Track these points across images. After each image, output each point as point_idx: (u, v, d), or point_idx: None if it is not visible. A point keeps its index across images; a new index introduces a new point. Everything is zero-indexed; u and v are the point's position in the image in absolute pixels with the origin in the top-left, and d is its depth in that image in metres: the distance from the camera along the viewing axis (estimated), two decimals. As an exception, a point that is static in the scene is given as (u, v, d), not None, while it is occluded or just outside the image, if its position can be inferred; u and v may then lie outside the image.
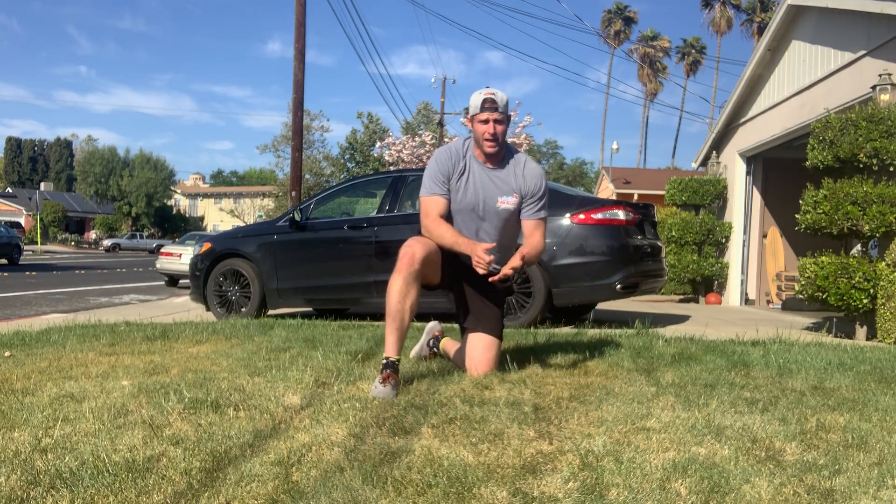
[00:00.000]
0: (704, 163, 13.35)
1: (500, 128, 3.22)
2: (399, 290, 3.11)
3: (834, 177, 6.48)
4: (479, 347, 3.42)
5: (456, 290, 3.53)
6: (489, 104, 3.20)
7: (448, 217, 3.34)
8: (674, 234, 12.01)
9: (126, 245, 47.16)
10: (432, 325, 3.94)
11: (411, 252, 3.11)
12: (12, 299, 10.22)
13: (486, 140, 3.22)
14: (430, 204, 3.30)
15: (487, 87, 3.24)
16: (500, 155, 3.33)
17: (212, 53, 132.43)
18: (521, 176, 3.34)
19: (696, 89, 79.78)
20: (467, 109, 3.34)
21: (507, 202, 3.32)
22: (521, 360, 3.84)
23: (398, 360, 3.11)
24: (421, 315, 6.58)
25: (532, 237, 3.38)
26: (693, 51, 55.91)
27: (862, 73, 8.02)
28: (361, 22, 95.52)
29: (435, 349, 3.89)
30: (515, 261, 3.16)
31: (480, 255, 3.06)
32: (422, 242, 3.18)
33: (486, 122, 3.21)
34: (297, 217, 6.80)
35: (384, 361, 3.09)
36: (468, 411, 2.67)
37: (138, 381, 3.20)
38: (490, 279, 3.19)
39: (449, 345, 3.74)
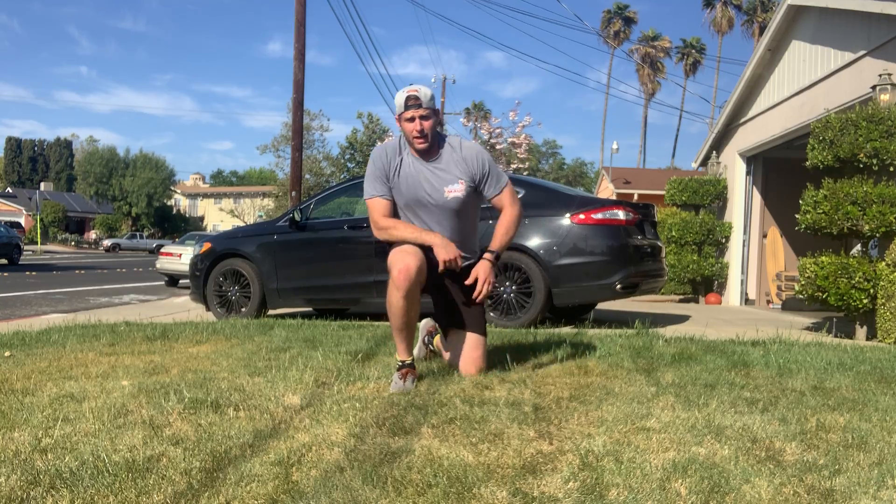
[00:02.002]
0: (704, 163, 13.35)
1: (426, 123, 3.22)
2: (402, 307, 3.15)
3: (834, 177, 6.48)
4: (468, 347, 3.45)
5: (434, 292, 3.50)
6: (413, 101, 3.20)
7: (396, 216, 3.35)
8: (674, 234, 12.01)
9: (126, 245, 47.16)
10: (426, 322, 3.94)
11: (406, 266, 3.11)
12: (12, 299, 10.22)
13: (416, 137, 3.23)
14: (374, 206, 3.32)
15: (412, 85, 3.27)
16: (434, 148, 3.32)
17: (212, 53, 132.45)
18: (461, 161, 3.33)
19: (697, 89, 79.91)
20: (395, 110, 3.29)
21: (455, 190, 3.31)
22: (521, 360, 3.84)
23: (412, 360, 3.22)
24: (422, 316, 6.59)
25: (507, 210, 3.44)
26: (693, 51, 55.91)
27: (862, 73, 8.02)
28: (362, 22, 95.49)
29: (430, 346, 3.91)
30: (481, 288, 3.27)
31: (450, 253, 3.15)
32: (412, 253, 3.16)
33: (412, 119, 3.21)
34: (297, 217, 6.80)
35: (400, 363, 3.19)
36: (468, 411, 2.67)
37: (138, 381, 3.20)
38: (466, 283, 3.26)
39: (441, 342, 3.76)
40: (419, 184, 3.29)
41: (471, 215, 3.47)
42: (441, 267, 3.17)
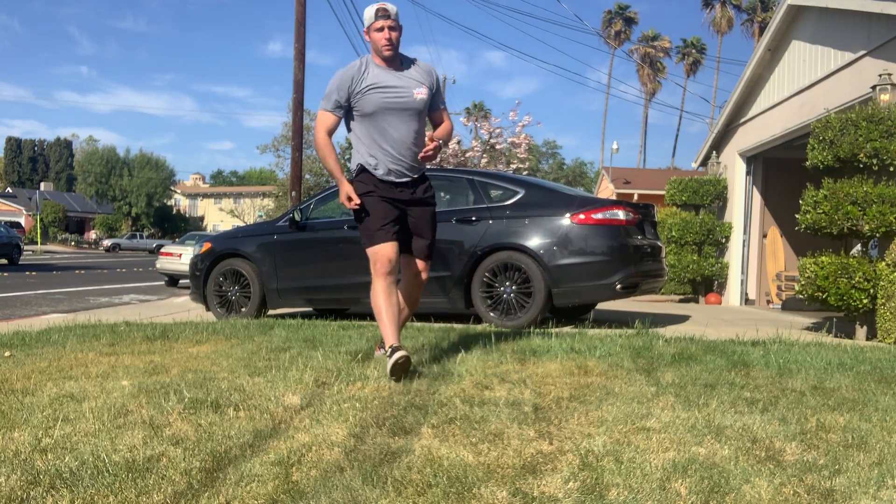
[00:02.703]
0: (704, 163, 13.35)
1: (394, 34, 3.55)
2: (385, 293, 3.48)
3: (834, 177, 6.48)
4: (417, 268, 3.80)
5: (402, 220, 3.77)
6: (383, 13, 3.54)
7: (358, 128, 3.65)
8: (674, 234, 12.01)
9: (126, 245, 47.14)
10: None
11: (386, 256, 3.50)
12: (12, 299, 10.22)
13: (384, 46, 3.55)
14: (325, 119, 3.64)
15: (376, 2, 3.58)
16: (398, 59, 3.66)
17: (213, 54, 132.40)
18: (423, 71, 3.71)
19: (697, 89, 79.87)
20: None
21: (422, 92, 3.64)
22: (521, 360, 3.84)
23: (400, 344, 3.42)
24: (421, 315, 6.60)
25: (444, 123, 3.85)
26: (693, 51, 55.90)
27: (862, 73, 8.02)
28: (362, 22, 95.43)
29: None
30: (431, 144, 3.59)
31: (349, 194, 3.55)
32: (390, 243, 3.53)
33: (381, 29, 3.53)
34: (297, 217, 6.80)
35: (392, 348, 3.34)
36: (468, 411, 2.67)
37: (138, 381, 3.20)
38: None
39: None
40: (390, 88, 3.59)
41: (423, 124, 3.77)
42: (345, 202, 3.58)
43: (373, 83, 3.57)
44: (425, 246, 3.77)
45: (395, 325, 3.46)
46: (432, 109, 3.78)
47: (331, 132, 3.68)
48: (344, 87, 3.58)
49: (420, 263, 3.79)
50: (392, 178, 3.61)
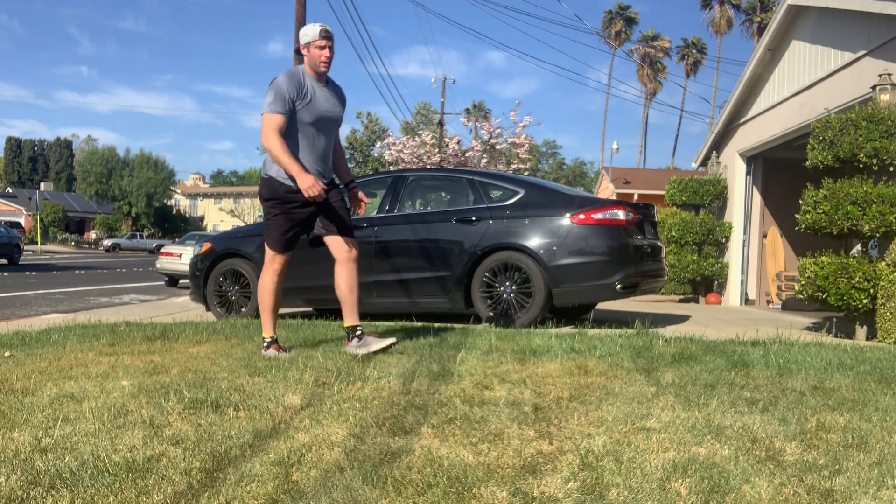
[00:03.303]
0: (704, 163, 13.35)
1: (331, 53, 4.01)
2: (275, 288, 4.16)
3: (834, 177, 6.48)
4: (347, 244, 4.21)
5: (309, 226, 4.18)
6: (326, 33, 3.96)
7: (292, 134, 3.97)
8: (674, 234, 12.01)
9: (126, 245, 47.14)
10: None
11: (285, 258, 4.13)
12: (12, 299, 10.22)
13: (323, 62, 3.97)
14: (276, 120, 3.89)
15: (315, 23, 4.02)
16: (325, 76, 4.09)
17: (213, 54, 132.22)
18: (341, 92, 4.20)
19: (697, 89, 79.78)
20: (296, 50, 4.04)
21: (341, 112, 4.16)
22: (521, 360, 3.84)
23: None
24: (422, 315, 6.59)
25: (339, 144, 4.34)
26: (694, 51, 55.91)
27: (862, 73, 8.02)
28: (362, 22, 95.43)
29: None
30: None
31: (308, 184, 3.82)
32: (290, 251, 4.12)
33: (324, 47, 3.95)
34: (297, 217, 6.79)
35: (272, 338, 4.06)
36: (468, 411, 2.68)
37: (138, 381, 3.20)
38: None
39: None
40: (325, 101, 4.02)
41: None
42: (308, 196, 3.87)
43: (313, 95, 3.96)
44: (347, 226, 4.20)
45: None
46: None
47: (281, 131, 3.92)
48: (293, 92, 3.90)
49: (348, 241, 4.19)
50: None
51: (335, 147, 4.26)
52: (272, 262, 4.10)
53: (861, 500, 1.90)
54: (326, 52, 3.97)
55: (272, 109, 3.88)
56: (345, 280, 4.19)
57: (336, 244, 4.15)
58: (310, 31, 3.96)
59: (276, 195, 3.99)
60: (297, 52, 4.04)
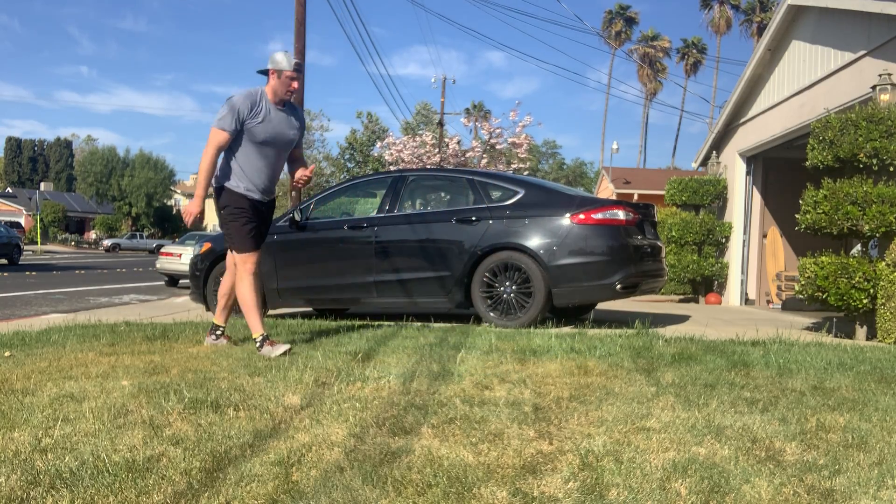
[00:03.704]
0: (704, 163, 13.35)
1: (298, 85, 4.28)
2: (254, 287, 4.24)
3: (834, 177, 6.48)
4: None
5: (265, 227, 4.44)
6: (298, 67, 4.23)
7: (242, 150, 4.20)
8: (674, 234, 12.01)
9: (126, 245, 47.11)
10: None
11: (255, 259, 4.26)
12: (12, 299, 10.22)
13: (287, 92, 4.24)
14: (222, 137, 4.13)
15: (286, 51, 4.26)
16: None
17: (213, 54, 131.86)
18: (299, 115, 4.45)
19: (697, 89, 79.71)
20: (274, 71, 4.21)
21: (296, 134, 4.38)
22: (521, 360, 3.84)
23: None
24: (421, 315, 6.59)
25: (300, 160, 4.57)
26: (694, 51, 55.90)
27: (862, 73, 8.02)
28: (361, 22, 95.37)
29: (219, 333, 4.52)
30: (305, 172, 4.44)
31: (193, 210, 4.15)
32: (258, 251, 4.29)
33: (293, 79, 4.21)
34: (297, 217, 6.80)
35: (263, 336, 4.10)
36: (468, 411, 2.68)
37: (138, 381, 3.20)
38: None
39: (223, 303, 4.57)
40: (280, 123, 4.24)
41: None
42: (184, 218, 4.21)
43: (267, 116, 4.18)
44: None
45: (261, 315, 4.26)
46: (297, 147, 4.50)
47: (223, 149, 4.17)
48: (244, 113, 4.11)
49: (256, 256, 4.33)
50: (262, 198, 4.31)
51: (298, 159, 4.54)
52: (245, 264, 4.23)
53: (861, 500, 1.90)
54: (294, 85, 4.24)
55: (220, 126, 4.10)
56: (237, 291, 4.37)
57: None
58: (283, 61, 4.18)
59: (231, 202, 4.23)
60: (265, 72, 4.20)
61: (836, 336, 6.21)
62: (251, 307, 4.21)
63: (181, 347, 4.29)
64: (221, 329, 4.40)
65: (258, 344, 4.10)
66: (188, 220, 4.16)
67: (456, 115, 44.56)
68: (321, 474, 2.00)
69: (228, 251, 4.43)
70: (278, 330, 5.19)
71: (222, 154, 4.23)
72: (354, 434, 2.38)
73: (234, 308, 4.60)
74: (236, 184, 4.22)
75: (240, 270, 4.25)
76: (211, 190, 4.34)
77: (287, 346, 4.03)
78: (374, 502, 1.82)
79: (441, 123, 29.39)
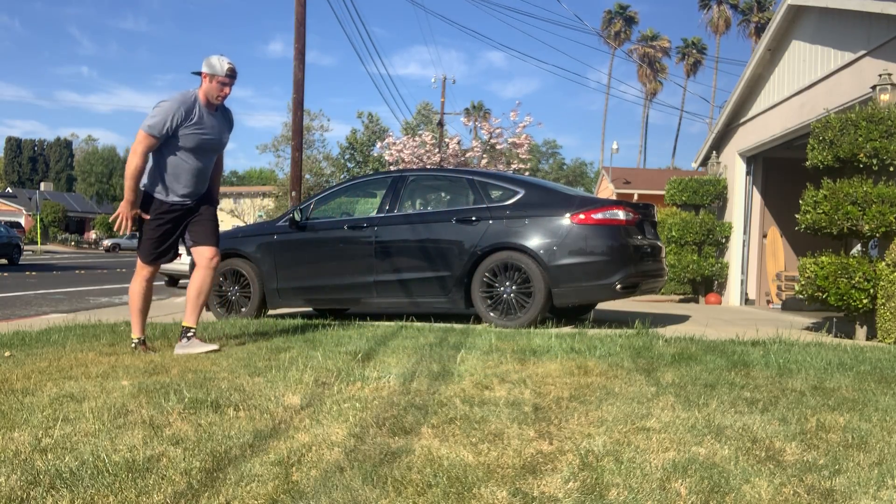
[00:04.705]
0: (704, 163, 13.35)
1: (230, 91, 4.26)
2: (144, 293, 4.34)
3: (834, 177, 6.47)
4: (209, 252, 4.35)
5: (183, 232, 4.40)
6: (231, 72, 4.19)
7: (173, 155, 4.18)
8: (674, 234, 12.01)
9: (126, 245, 47.08)
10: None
11: (156, 269, 4.37)
12: (12, 299, 10.22)
13: (220, 97, 4.21)
14: (149, 142, 4.09)
15: (225, 56, 4.18)
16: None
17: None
18: (230, 117, 4.43)
19: (696, 89, 79.69)
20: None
21: (227, 137, 4.40)
22: (521, 360, 3.84)
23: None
24: (421, 315, 6.58)
25: (221, 161, 4.57)
26: (693, 51, 55.90)
27: (862, 73, 8.02)
28: (362, 22, 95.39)
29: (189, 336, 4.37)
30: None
31: (123, 213, 4.12)
32: (159, 263, 4.36)
33: (225, 84, 4.18)
34: (297, 217, 6.80)
35: (139, 339, 4.26)
36: (468, 411, 2.68)
37: (138, 381, 3.20)
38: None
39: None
40: (214, 128, 4.24)
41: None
42: (111, 220, 4.41)
43: (199, 121, 4.15)
44: (210, 234, 4.36)
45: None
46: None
47: (149, 153, 4.14)
48: (178, 119, 4.07)
49: (211, 250, 4.34)
50: (183, 202, 4.26)
51: (216, 165, 4.50)
52: (141, 271, 4.31)
53: (861, 500, 1.90)
54: (226, 91, 4.21)
55: (149, 131, 4.05)
56: (196, 284, 4.34)
57: (198, 253, 4.35)
58: (217, 65, 4.15)
59: (155, 209, 4.22)
60: (199, 74, 4.15)
61: (836, 336, 6.21)
62: (136, 308, 4.32)
63: (181, 347, 4.28)
64: (193, 331, 4.28)
65: (133, 345, 4.24)
66: (117, 223, 4.13)
67: (456, 115, 44.57)
68: (321, 474, 2.00)
69: (190, 251, 4.42)
70: (278, 330, 5.18)
71: (150, 158, 4.19)
72: (354, 434, 2.38)
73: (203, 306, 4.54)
74: (163, 191, 4.21)
75: (136, 273, 4.32)
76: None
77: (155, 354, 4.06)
78: (374, 502, 1.82)
79: (441, 123, 29.39)
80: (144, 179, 4.22)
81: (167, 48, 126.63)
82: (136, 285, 4.33)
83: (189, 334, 4.22)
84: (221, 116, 4.33)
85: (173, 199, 4.23)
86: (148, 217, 4.23)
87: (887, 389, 3.26)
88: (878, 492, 1.95)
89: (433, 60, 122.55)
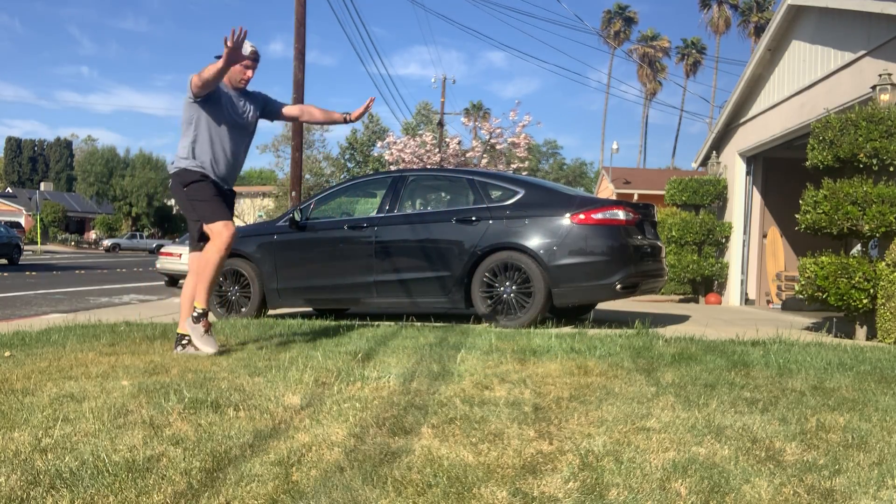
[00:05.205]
0: (704, 163, 13.35)
1: (253, 75, 4.31)
2: (221, 263, 4.16)
3: (834, 177, 6.47)
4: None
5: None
6: (255, 56, 4.22)
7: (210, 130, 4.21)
8: (674, 234, 12.01)
9: (126, 245, 47.12)
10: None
11: (230, 234, 4.14)
12: (12, 299, 10.22)
13: (243, 81, 4.27)
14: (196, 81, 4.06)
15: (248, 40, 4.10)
16: None
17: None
18: (259, 100, 4.45)
19: (696, 89, 79.64)
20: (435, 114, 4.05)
21: (256, 115, 4.43)
22: (521, 360, 3.84)
23: None
24: (421, 315, 6.58)
25: (293, 107, 4.72)
26: (693, 51, 55.90)
27: (862, 73, 8.02)
28: (362, 22, 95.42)
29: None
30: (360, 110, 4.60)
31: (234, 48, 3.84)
32: (230, 224, 4.20)
33: (248, 68, 4.24)
34: (297, 217, 6.80)
35: (204, 310, 4.09)
36: (468, 411, 2.68)
37: (138, 381, 3.20)
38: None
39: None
40: (235, 107, 4.27)
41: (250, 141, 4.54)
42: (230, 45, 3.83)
43: (221, 99, 4.20)
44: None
45: None
46: (280, 108, 4.55)
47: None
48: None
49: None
50: (221, 185, 4.31)
51: (295, 107, 4.67)
52: (220, 236, 4.10)
53: (861, 500, 1.90)
54: (249, 74, 4.26)
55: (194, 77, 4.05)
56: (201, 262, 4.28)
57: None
58: (243, 47, 4.12)
59: (193, 178, 4.18)
60: (220, 57, 3.97)
61: (836, 336, 6.21)
62: (211, 281, 4.14)
63: (181, 347, 4.28)
64: (188, 338, 4.15)
65: (195, 316, 4.10)
66: (234, 48, 3.85)
67: (456, 115, 44.61)
68: (321, 474, 2.00)
69: (192, 250, 4.38)
70: (278, 330, 5.19)
71: (185, 136, 4.19)
72: (354, 434, 2.38)
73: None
74: (207, 167, 4.21)
75: (215, 239, 4.12)
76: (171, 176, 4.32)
77: (208, 350, 4.00)
78: (374, 502, 1.82)
79: (441, 123, 29.40)
80: (188, 154, 4.19)
81: (167, 48, 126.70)
82: (215, 254, 4.09)
83: (195, 314, 4.13)
84: (248, 99, 4.36)
85: (213, 178, 4.25)
86: (188, 189, 4.18)
87: (887, 389, 3.26)
88: (878, 492, 1.95)
89: (433, 60, 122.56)
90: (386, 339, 4.58)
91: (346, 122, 4.63)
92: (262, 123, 4.65)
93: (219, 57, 3.95)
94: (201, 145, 4.20)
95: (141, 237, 50.05)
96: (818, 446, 2.34)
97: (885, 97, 6.95)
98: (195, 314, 4.08)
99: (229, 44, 3.78)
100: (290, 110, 4.64)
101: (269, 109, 4.52)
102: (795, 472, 2.07)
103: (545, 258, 5.91)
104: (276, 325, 5.45)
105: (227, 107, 4.23)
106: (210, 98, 4.14)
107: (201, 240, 4.30)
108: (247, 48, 4.15)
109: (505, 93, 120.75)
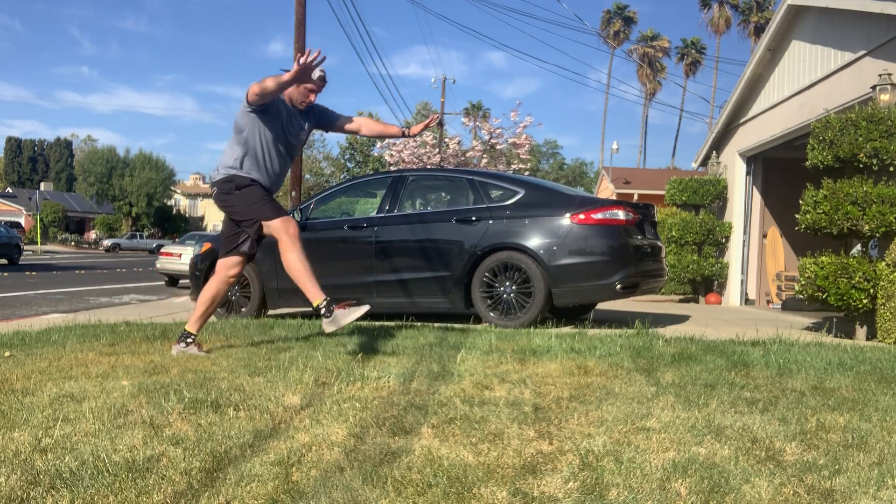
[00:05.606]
0: (704, 163, 13.35)
1: (315, 98, 4.22)
2: (303, 256, 4.15)
3: (834, 177, 6.48)
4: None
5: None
6: (322, 83, 4.13)
7: (264, 147, 4.13)
8: (674, 234, 12.01)
9: (126, 245, 47.11)
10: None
11: (295, 225, 4.09)
12: (12, 299, 10.22)
13: (305, 103, 4.18)
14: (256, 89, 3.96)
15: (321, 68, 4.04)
16: None
17: (213, 54, 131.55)
18: (312, 110, 4.32)
19: (696, 89, 79.71)
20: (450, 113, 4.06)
21: (309, 131, 4.40)
22: (521, 360, 3.84)
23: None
24: (421, 315, 6.58)
25: (353, 121, 4.51)
26: (693, 51, 55.89)
27: (862, 73, 8.02)
28: (362, 22, 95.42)
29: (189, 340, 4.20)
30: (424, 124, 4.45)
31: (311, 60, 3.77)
32: (291, 218, 4.13)
33: (313, 91, 4.15)
34: (297, 217, 6.80)
35: (329, 299, 4.08)
36: (468, 411, 2.68)
37: (138, 381, 3.20)
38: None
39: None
40: (291, 124, 4.19)
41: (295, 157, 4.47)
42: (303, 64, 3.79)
43: (279, 114, 4.10)
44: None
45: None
46: (337, 120, 4.44)
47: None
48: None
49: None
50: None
51: (355, 122, 4.50)
52: (286, 232, 4.03)
53: (861, 500, 1.90)
54: (312, 98, 4.18)
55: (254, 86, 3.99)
56: (222, 290, 4.30)
57: (235, 262, 4.29)
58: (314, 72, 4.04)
59: (245, 183, 4.10)
60: (286, 71, 3.91)
61: (836, 336, 6.21)
62: (308, 275, 4.19)
63: (181, 347, 4.28)
64: (193, 336, 4.13)
65: (325, 301, 4.06)
66: (308, 64, 3.79)
67: (456, 115, 44.64)
68: (321, 474, 2.00)
69: (221, 254, 4.27)
70: (278, 330, 5.18)
71: (236, 145, 4.12)
72: (354, 434, 2.38)
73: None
74: (244, 173, 4.12)
75: (288, 242, 4.05)
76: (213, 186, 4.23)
77: (362, 309, 3.95)
78: (374, 502, 1.82)
79: (441, 123, 29.39)
80: (237, 165, 4.11)
81: (167, 48, 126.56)
82: (294, 253, 4.07)
83: (189, 340, 4.13)
84: (305, 120, 4.28)
85: (258, 180, 4.17)
86: (240, 192, 4.09)
87: (887, 389, 3.26)
88: (878, 492, 1.95)
89: (433, 60, 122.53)
90: (386, 339, 4.59)
91: (404, 136, 4.58)
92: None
93: (285, 70, 3.88)
94: (251, 160, 4.11)
95: (141, 237, 50.05)
96: (818, 446, 2.34)
97: (885, 97, 6.95)
98: (324, 301, 4.06)
99: (302, 62, 3.70)
100: (348, 125, 4.48)
101: (325, 121, 4.43)
102: (795, 472, 2.07)
103: (545, 258, 5.91)
104: (276, 325, 5.45)
105: (285, 124, 4.15)
106: (269, 110, 4.05)
107: (231, 252, 4.20)
108: (315, 73, 4.04)
109: (505, 93, 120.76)
